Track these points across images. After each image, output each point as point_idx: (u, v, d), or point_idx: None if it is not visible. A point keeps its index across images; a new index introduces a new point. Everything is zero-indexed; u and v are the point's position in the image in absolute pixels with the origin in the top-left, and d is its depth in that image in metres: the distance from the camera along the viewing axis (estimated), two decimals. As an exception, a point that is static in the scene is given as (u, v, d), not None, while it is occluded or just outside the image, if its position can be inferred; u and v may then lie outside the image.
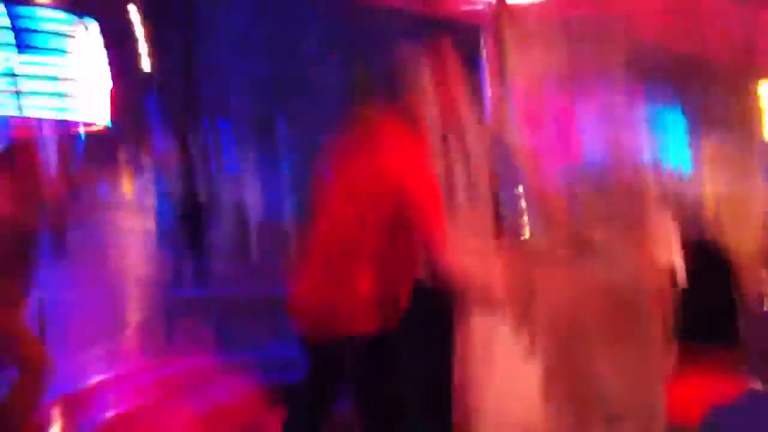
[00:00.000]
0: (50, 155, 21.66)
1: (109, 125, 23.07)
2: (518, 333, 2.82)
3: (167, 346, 9.31)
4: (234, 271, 17.51)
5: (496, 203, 4.16)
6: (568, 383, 2.89)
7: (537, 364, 2.85)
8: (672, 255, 3.60)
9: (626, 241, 3.59)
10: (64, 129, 21.00)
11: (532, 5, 6.37)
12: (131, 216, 16.62)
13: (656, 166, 7.51)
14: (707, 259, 3.84)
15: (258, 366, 5.26)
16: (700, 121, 6.81)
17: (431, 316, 2.96)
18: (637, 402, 3.19)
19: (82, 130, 25.98)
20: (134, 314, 13.46)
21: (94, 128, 24.57)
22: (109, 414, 4.46)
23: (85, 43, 18.15)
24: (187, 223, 16.71)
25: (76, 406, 4.55)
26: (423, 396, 2.99)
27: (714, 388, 4.42)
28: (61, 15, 17.08)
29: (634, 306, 3.23)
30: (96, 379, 4.99)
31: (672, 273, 3.57)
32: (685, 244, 3.75)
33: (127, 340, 10.43)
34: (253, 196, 24.15)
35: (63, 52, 19.06)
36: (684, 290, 3.56)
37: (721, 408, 4.02)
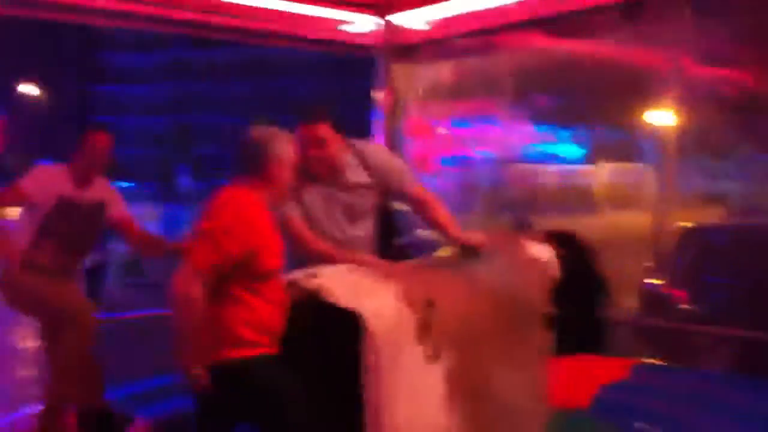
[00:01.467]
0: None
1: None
2: (421, 338, 2.94)
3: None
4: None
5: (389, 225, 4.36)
6: (467, 382, 3.07)
7: (439, 367, 2.97)
8: (547, 252, 3.71)
9: (508, 242, 3.84)
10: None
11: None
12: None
13: (543, 162, 7.99)
14: (576, 251, 4.01)
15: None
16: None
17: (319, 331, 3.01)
18: (525, 393, 3.43)
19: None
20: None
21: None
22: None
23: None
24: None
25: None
26: (328, 411, 2.91)
27: (601, 367, 4.71)
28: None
29: (516, 303, 3.44)
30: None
31: (548, 269, 3.63)
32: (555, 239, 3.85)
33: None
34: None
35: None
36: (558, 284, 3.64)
37: (610, 385, 4.28)
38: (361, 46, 6.97)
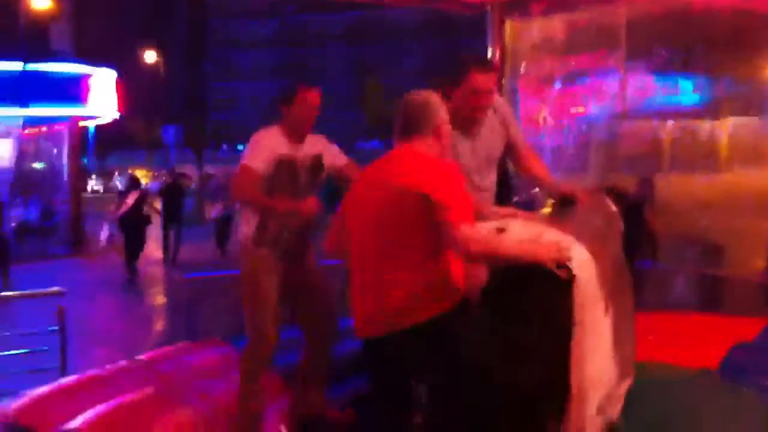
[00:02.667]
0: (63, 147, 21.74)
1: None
2: (598, 293, 2.97)
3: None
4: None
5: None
6: (617, 335, 3.10)
7: (608, 320, 3.02)
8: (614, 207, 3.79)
9: (596, 197, 3.85)
10: (74, 124, 21.36)
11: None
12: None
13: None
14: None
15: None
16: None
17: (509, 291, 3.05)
18: (631, 347, 3.43)
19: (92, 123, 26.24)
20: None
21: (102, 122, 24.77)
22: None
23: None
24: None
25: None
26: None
27: (733, 327, 4.58)
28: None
29: (621, 257, 3.47)
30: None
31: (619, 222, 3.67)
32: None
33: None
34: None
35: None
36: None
37: (740, 346, 4.15)
38: (472, 4, 6.85)
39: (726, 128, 7.67)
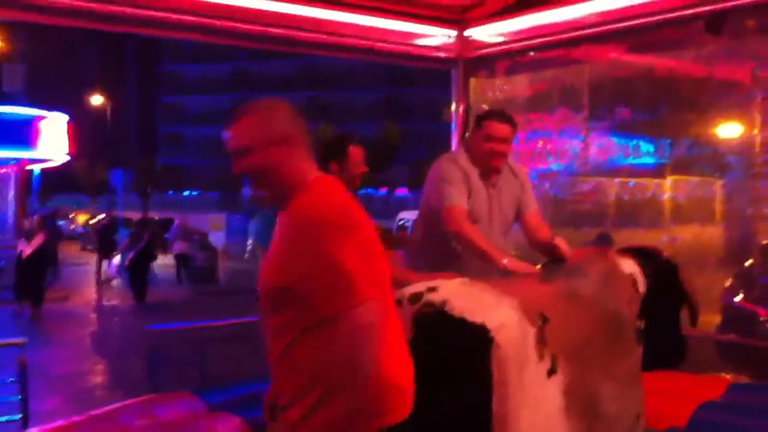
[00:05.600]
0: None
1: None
2: (539, 352, 2.95)
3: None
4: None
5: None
6: (581, 397, 3.07)
7: (556, 381, 3.00)
8: (633, 267, 3.74)
9: (599, 257, 3.83)
10: (21, 166, 21.05)
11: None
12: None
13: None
14: (660, 266, 3.99)
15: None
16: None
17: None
18: (628, 410, 3.41)
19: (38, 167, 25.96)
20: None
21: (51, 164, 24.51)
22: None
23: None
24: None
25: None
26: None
27: (695, 385, 4.64)
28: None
29: (615, 318, 3.45)
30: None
31: (636, 285, 3.63)
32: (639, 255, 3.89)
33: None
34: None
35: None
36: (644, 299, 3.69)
37: (707, 405, 4.21)
38: (440, 59, 6.97)
39: (681, 188, 7.87)
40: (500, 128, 4.07)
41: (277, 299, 2.51)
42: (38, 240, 15.28)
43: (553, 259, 3.81)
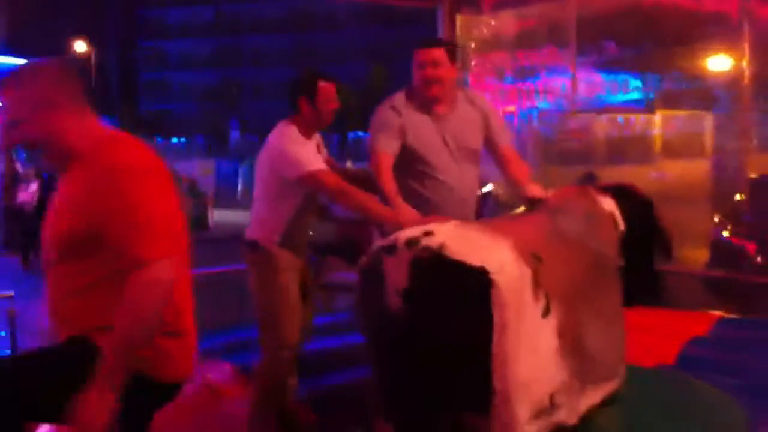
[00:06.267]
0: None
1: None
2: (535, 293, 2.92)
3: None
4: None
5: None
6: (572, 337, 3.06)
7: (550, 321, 2.99)
8: (612, 205, 3.70)
9: (582, 196, 3.80)
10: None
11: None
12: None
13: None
14: (635, 203, 3.96)
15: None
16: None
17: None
18: (612, 348, 3.42)
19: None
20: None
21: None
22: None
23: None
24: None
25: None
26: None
27: (682, 321, 4.65)
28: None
29: (599, 257, 3.41)
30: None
31: (615, 222, 3.59)
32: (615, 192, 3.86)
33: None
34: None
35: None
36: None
37: (695, 341, 4.22)
38: (424, -3, 6.86)
39: (668, 123, 7.82)
40: (427, 52, 3.86)
41: (69, 247, 2.44)
42: (34, 187, 14.87)
43: (530, 203, 3.76)
